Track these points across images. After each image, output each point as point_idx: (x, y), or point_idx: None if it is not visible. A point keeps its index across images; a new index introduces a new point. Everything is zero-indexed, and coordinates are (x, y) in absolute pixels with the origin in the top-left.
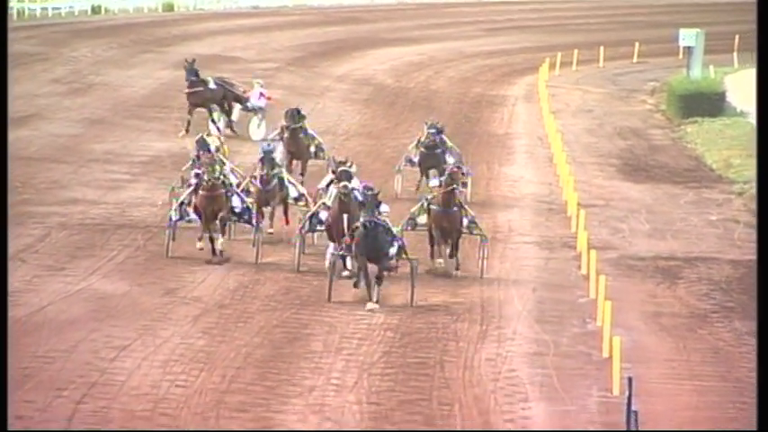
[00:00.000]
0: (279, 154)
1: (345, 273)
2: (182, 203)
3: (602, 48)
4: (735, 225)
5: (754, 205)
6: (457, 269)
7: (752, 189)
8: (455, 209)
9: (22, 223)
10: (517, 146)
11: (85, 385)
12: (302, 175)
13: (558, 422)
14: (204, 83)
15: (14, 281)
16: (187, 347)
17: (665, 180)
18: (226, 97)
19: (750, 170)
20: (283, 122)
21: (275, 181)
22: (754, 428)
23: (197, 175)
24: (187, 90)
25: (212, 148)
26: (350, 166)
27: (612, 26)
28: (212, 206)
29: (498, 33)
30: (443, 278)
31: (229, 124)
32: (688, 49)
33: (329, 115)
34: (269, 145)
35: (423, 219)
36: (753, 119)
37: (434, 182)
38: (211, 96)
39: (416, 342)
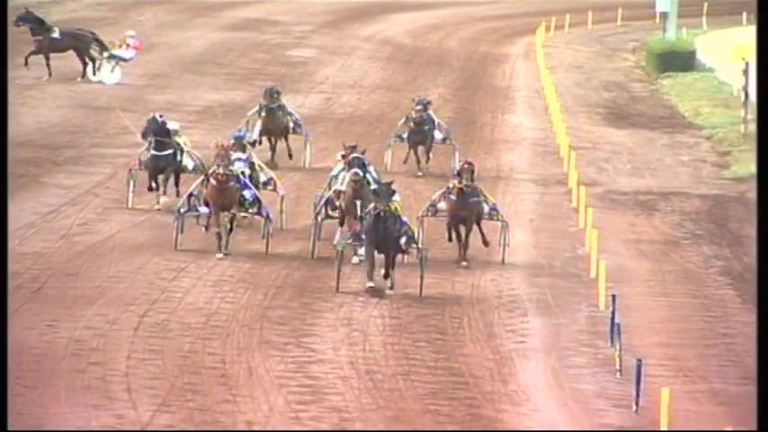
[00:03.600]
0: (256, 131)
1: (355, 259)
2: (191, 195)
3: (590, 13)
4: (703, 164)
5: (720, 147)
6: (464, 259)
7: (718, 134)
8: (471, 199)
9: (94, 164)
10: (517, 97)
11: (149, 301)
12: (289, 155)
13: (553, 333)
14: (48, 31)
15: (88, 213)
16: (235, 270)
17: (644, 126)
18: (78, 48)
19: (716, 117)
20: (262, 101)
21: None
22: (753, 427)
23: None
24: (33, 38)
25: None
26: (362, 153)
27: None
28: (223, 198)
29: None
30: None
31: (84, 72)
32: (664, 14)
33: (356, 71)
34: (240, 131)
35: (443, 205)
36: (719, 74)
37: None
38: (49, 45)
39: (431, 266)
